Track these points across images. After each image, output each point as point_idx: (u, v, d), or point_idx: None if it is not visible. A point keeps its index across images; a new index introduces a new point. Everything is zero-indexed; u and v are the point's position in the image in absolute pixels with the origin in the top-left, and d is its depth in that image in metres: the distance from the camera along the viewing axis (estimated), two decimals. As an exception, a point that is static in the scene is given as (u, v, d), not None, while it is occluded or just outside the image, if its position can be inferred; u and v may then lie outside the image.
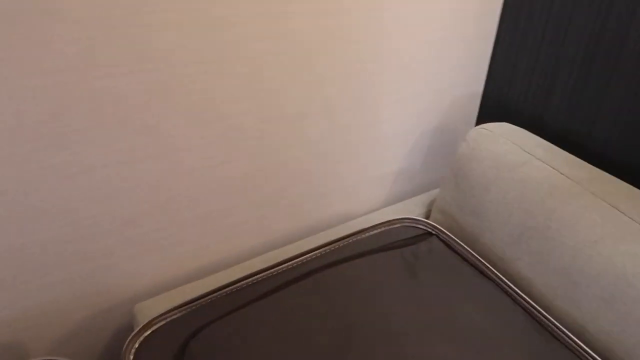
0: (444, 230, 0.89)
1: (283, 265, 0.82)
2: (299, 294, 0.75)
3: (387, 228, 0.91)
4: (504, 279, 0.80)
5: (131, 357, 0.68)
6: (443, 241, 0.88)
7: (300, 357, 0.65)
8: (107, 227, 0.76)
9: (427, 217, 1.06)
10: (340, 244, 0.86)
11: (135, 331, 0.71)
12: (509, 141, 0.89)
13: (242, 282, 0.79)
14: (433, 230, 0.90)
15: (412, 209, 1.09)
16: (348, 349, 0.67)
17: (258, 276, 0.80)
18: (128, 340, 0.69)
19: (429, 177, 1.17)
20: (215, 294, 0.77)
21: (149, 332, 0.72)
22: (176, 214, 0.82)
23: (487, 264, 0.82)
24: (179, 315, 0.74)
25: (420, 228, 0.91)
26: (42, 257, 0.73)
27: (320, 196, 1.00)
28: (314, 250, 0.85)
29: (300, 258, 0.83)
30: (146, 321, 0.72)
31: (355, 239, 0.88)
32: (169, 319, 0.74)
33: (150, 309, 0.81)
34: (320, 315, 0.71)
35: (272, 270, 0.81)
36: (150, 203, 0.78)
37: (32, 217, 0.69)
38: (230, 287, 0.78)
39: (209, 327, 0.71)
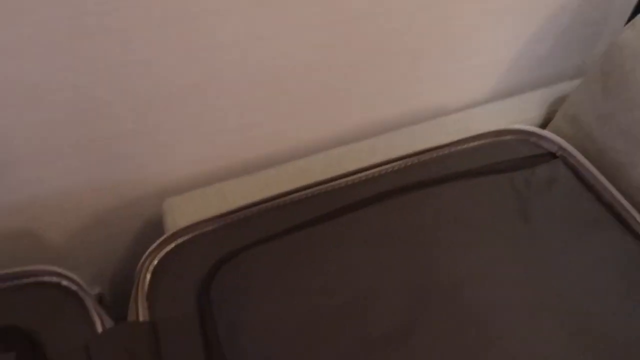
0: (574, 153, 0.65)
1: (349, 178, 0.62)
2: (362, 224, 0.57)
3: (493, 140, 0.67)
4: (657, 237, 0.57)
5: (148, 276, 0.55)
6: (571, 168, 0.64)
7: (353, 327, 0.49)
8: (136, 106, 0.58)
9: (545, 125, 0.80)
10: (427, 157, 0.65)
11: (156, 244, 0.56)
12: None
13: (294, 195, 0.61)
14: (558, 150, 0.66)
15: (524, 108, 0.83)
16: (419, 324, 0.49)
17: (314, 189, 0.61)
18: (146, 255, 0.55)
19: (556, 67, 0.87)
20: (258, 207, 0.60)
21: (172, 245, 0.57)
22: (227, 93, 0.63)
23: (636, 214, 0.58)
24: (213, 227, 0.59)
25: (541, 146, 0.67)
26: (49, 140, 0.58)
27: (410, 82, 0.76)
28: (391, 162, 0.64)
29: (372, 170, 0.63)
30: (171, 232, 0.58)
31: (447, 153, 0.65)
32: (200, 231, 0.59)
33: (183, 208, 0.66)
34: (388, 263, 0.53)
35: (333, 183, 0.62)
36: (200, 76, 0.59)
37: (38, 95, 0.52)
38: (278, 200, 0.61)
39: (247, 252, 0.55)
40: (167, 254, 0.56)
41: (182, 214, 0.65)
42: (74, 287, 0.53)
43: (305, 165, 0.72)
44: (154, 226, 0.72)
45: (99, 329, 0.50)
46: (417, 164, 0.64)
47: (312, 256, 0.54)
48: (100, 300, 0.64)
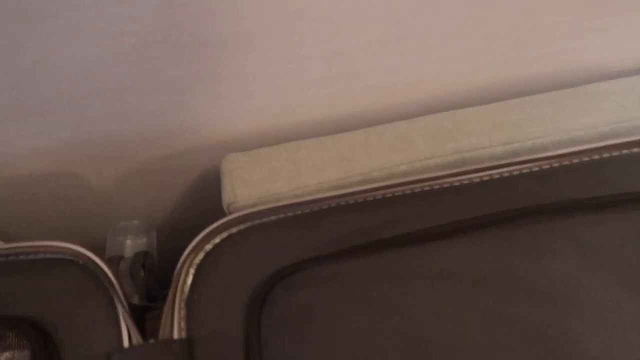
0: None
1: (464, 177, 0.46)
2: (474, 257, 0.41)
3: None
4: None
5: (191, 271, 0.44)
6: None
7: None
8: (196, 47, 0.44)
9: None
10: (581, 159, 0.46)
11: (202, 235, 0.44)
12: None
13: (386, 191, 0.46)
14: None
15: None
16: None
17: (415, 185, 0.46)
18: (188, 250, 0.44)
19: None
20: (338, 200, 0.46)
21: (225, 235, 0.45)
22: (316, 36, 0.47)
23: None
24: (277, 217, 0.46)
25: None
26: (94, 84, 0.45)
27: (571, 35, 0.55)
28: (526, 163, 0.46)
29: (500, 170, 0.46)
30: (222, 221, 0.45)
31: (612, 157, 0.46)
32: (260, 221, 0.46)
33: (245, 173, 0.53)
34: (502, 321, 0.38)
35: (441, 180, 0.46)
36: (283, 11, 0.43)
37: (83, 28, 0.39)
38: (364, 194, 0.46)
39: (313, 268, 0.42)
40: (216, 246, 0.45)
41: (243, 181, 0.52)
42: (101, 277, 0.43)
43: (405, 131, 0.56)
44: (211, 178, 0.61)
45: (125, 337, 0.41)
46: (564, 169, 0.46)
47: (402, 291, 0.40)
48: (144, 259, 0.56)
